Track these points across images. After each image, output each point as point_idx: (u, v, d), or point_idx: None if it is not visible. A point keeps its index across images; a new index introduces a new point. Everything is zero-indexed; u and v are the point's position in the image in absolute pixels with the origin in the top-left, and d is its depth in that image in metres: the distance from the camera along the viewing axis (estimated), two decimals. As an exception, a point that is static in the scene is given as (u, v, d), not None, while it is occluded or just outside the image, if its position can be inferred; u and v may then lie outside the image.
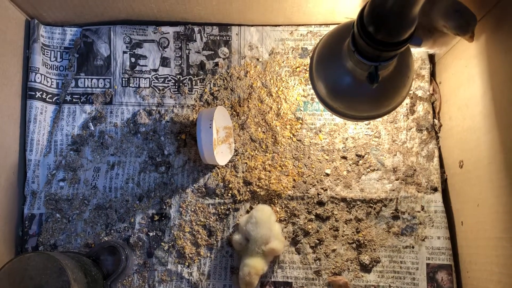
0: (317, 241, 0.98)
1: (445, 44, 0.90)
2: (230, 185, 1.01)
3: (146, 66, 1.07)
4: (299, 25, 1.07)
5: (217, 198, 1.01)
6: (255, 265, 0.91)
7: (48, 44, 1.06)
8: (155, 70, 1.07)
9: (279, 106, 1.04)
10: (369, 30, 0.58)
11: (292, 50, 1.07)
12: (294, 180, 1.01)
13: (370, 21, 0.58)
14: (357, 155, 1.02)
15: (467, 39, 0.82)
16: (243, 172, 1.02)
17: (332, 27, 1.05)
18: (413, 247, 0.97)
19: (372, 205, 0.99)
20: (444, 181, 1.00)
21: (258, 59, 1.07)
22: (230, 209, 1.01)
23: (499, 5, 0.79)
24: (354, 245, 0.98)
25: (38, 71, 1.03)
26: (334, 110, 0.78)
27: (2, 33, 0.95)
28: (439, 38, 0.87)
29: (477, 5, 0.84)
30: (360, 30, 0.59)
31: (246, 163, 1.02)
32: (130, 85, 1.06)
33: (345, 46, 0.68)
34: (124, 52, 1.07)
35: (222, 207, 1.00)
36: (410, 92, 1.03)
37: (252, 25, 1.08)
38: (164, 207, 1.01)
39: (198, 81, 1.07)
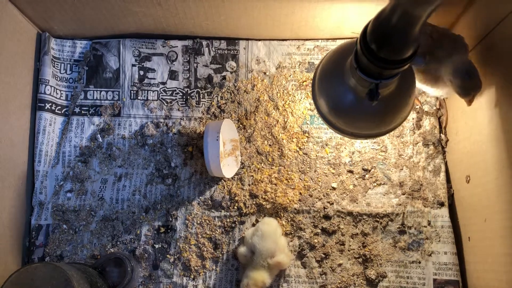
0: (323, 255, 0.98)
1: (448, 93, 0.91)
2: (236, 198, 1.01)
3: (154, 79, 1.08)
4: (306, 39, 1.08)
5: (223, 210, 1.01)
6: (255, 277, 0.91)
7: (58, 57, 1.07)
8: (163, 83, 1.08)
9: (285, 120, 1.05)
10: (372, 47, 0.59)
11: (299, 64, 1.08)
12: (300, 193, 1.01)
13: (373, 38, 0.58)
14: (363, 169, 1.02)
15: (466, 101, 0.84)
16: (249, 185, 1.02)
17: (339, 42, 1.07)
18: (419, 262, 0.96)
19: (378, 219, 0.99)
20: (451, 196, 1.00)
21: (265, 73, 1.08)
22: (236, 222, 1.01)
23: (505, 21, 0.80)
24: (360, 260, 0.97)
25: (48, 83, 1.04)
26: (335, 126, 0.78)
27: (13, 45, 0.96)
28: (443, 87, 0.88)
29: (487, 18, 0.84)
30: (363, 47, 0.60)
31: (252, 176, 1.02)
32: (138, 97, 1.07)
33: (348, 63, 0.69)
34: (133, 65, 1.08)
35: (228, 220, 1.01)
36: (416, 106, 1.04)
37: (259, 39, 1.09)
38: (170, 219, 1.01)
39: (206, 94, 1.08)
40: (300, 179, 1.02)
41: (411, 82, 0.74)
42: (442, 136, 1.02)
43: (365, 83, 0.65)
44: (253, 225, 1.00)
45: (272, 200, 1.00)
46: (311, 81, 1.05)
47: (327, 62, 0.77)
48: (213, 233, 1.00)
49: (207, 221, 1.00)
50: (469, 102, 0.84)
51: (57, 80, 1.06)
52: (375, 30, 0.58)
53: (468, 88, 0.82)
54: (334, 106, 0.76)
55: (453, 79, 0.82)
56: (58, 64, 1.07)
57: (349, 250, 0.98)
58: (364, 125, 0.77)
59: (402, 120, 0.77)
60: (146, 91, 1.08)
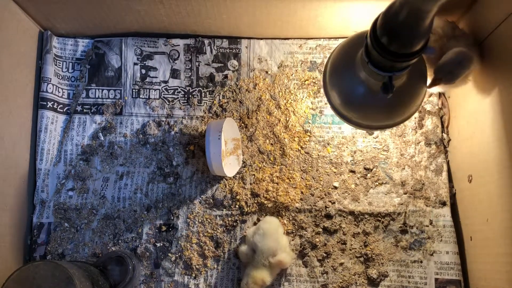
0: (325, 254, 0.97)
1: (445, 88, 0.90)
2: (237, 197, 1.01)
3: (156, 77, 1.08)
4: (308, 38, 1.08)
5: (224, 209, 1.01)
6: (255, 276, 0.91)
7: (60, 55, 1.07)
8: (165, 82, 1.08)
9: (287, 119, 1.05)
10: (382, 41, 0.59)
11: (301, 63, 1.08)
12: (302, 192, 1.01)
13: (383, 32, 0.58)
14: (365, 169, 1.02)
15: (430, 80, 0.82)
16: (250, 184, 1.02)
17: (341, 41, 1.06)
18: (421, 262, 0.96)
19: (380, 218, 0.99)
20: (453, 196, 1.00)
21: (267, 72, 1.08)
22: (238, 221, 1.00)
23: (507, 21, 0.79)
24: (361, 259, 0.97)
25: (50, 81, 1.04)
26: (348, 119, 0.78)
27: (15, 44, 0.96)
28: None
29: (488, 19, 0.84)
30: (374, 41, 0.60)
31: (254, 175, 1.02)
32: (140, 96, 1.07)
33: (359, 56, 0.69)
34: (135, 64, 1.08)
35: (230, 219, 1.00)
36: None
37: (261, 38, 1.09)
38: (172, 217, 1.01)
39: (208, 93, 1.07)
40: (302, 178, 1.02)
41: (423, 71, 0.74)
42: (444, 135, 1.02)
43: (377, 76, 0.65)
44: (255, 224, 1.00)
45: (273, 199, 1.00)
46: (317, 78, 1.06)
47: (338, 55, 0.77)
48: (215, 231, 1.00)
49: (209, 220, 1.00)
50: (430, 84, 0.82)
51: (59, 78, 1.06)
52: (385, 25, 0.58)
53: (446, 71, 0.80)
54: (346, 99, 0.76)
55: (448, 56, 0.81)
56: (60, 63, 1.07)
57: (350, 250, 0.98)
58: (377, 117, 0.76)
59: (416, 109, 0.77)
60: (148, 90, 1.08)
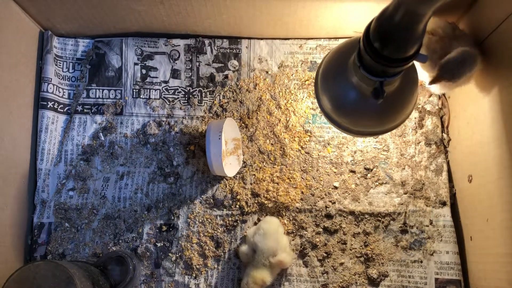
0: (325, 254, 0.98)
1: (448, 88, 0.90)
2: (238, 197, 1.01)
3: (156, 77, 1.08)
4: (309, 38, 1.08)
5: (225, 209, 1.01)
6: (255, 276, 0.91)
7: (60, 55, 1.07)
8: (166, 82, 1.08)
9: (287, 119, 1.05)
10: (375, 46, 0.58)
11: (301, 63, 1.08)
12: (302, 192, 1.01)
13: (376, 37, 0.58)
14: (365, 169, 1.02)
15: (431, 79, 0.84)
16: (251, 184, 1.02)
17: (341, 41, 1.06)
18: (421, 262, 0.96)
19: (380, 218, 0.99)
20: (453, 196, 1.00)
21: (267, 72, 1.08)
22: (238, 221, 1.01)
23: (507, 21, 0.79)
24: (362, 259, 0.97)
25: (51, 81, 1.04)
26: (338, 124, 0.78)
27: (16, 44, 0.97)
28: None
29: (489, 19, 0.84)
30: (366, 45, 0.60)
31: (254, 175, 1.02)
32: (141, 96, 1.07)
33: (351, 61, 0.69)
34: (135, 64, 1.08)
35: (230, 219, 1.01)
36: (419, 106, 1.04)
37: (261, 38, 1.09)
38: (172, 217, 1.01)
39: (208, 93, 1.08)
40: (302, 178, 1.02)
41: (414, 78, 0.74)
42: (444, 135, 1.02)
43: (368, 81, 0.65)
44: (255, 224, 1.00)
45: (274, 199, 1.00)
46: (314, 79, 1.06)
47: (330, 60, 0.77)
48: (215, 231, 1.00)
49: (209, 220, 1.01)
50: (432, 81, 0.84)
51: (59, 78, 1.06)
52: (378, 29, 0.58)
53: (449, 70, 0.81)
54: (337, 104, 0.76)
55: (452, 55, 0.81)
56: (60, 63, 1.07)
57: (351, 249, 0.98)
58: (368, 123, 0.76)
59: (406, 117, 0.77)
60: (148, 90, 1.08)
